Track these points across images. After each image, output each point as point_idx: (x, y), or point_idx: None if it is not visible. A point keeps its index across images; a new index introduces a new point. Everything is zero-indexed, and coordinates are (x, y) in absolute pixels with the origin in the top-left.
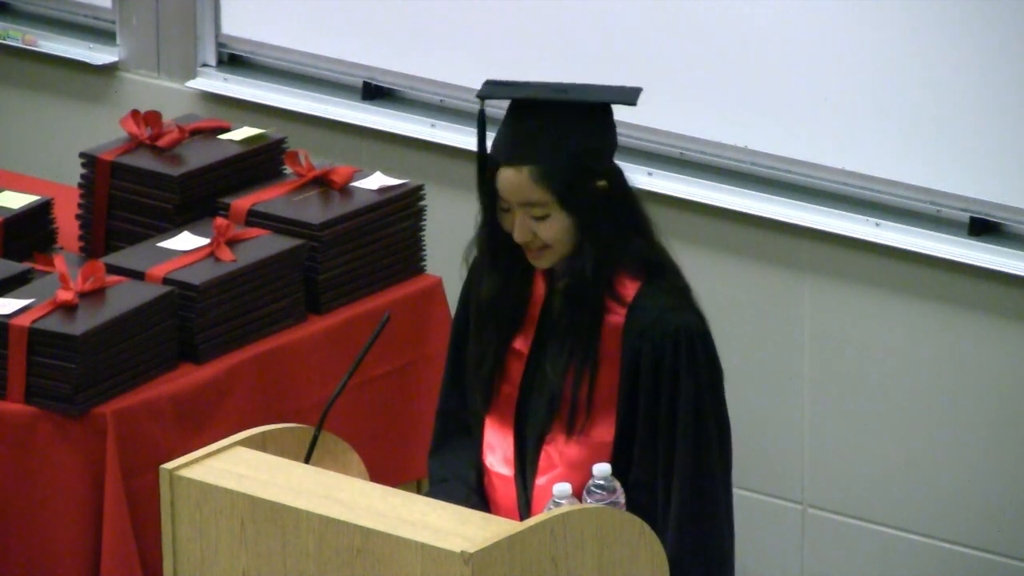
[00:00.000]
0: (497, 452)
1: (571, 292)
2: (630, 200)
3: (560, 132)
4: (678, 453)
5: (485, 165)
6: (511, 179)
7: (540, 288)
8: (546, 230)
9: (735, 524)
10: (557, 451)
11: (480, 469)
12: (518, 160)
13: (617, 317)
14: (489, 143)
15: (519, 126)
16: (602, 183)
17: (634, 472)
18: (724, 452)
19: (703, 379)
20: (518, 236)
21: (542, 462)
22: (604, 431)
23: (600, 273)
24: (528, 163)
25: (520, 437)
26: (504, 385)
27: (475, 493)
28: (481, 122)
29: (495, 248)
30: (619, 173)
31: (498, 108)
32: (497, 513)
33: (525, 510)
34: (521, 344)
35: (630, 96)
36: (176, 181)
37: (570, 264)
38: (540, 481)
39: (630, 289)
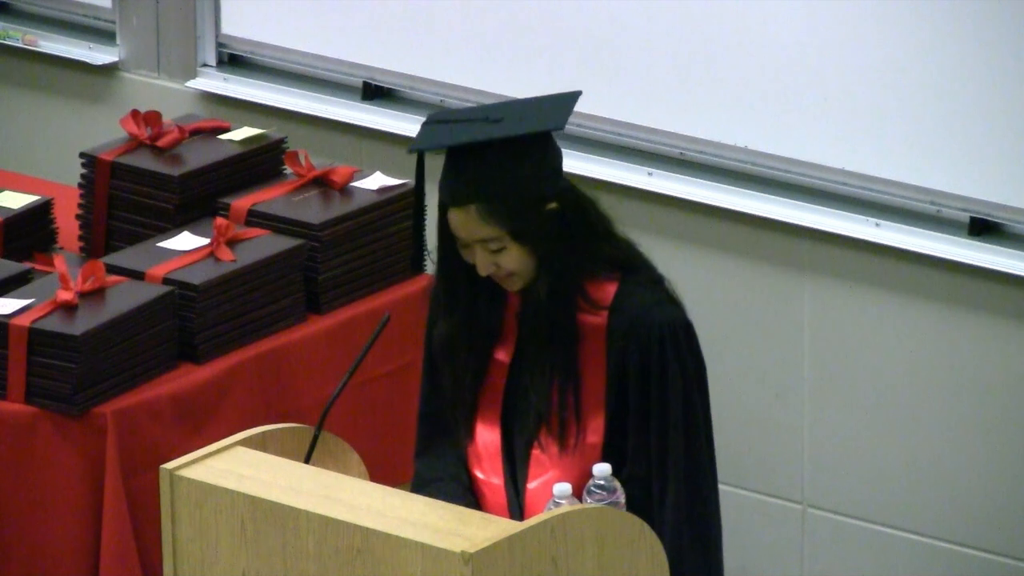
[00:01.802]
0: (484, 461)
1: (538, 315)
2: (585, 211)
3: (499, 167)
4: (670, 448)
5: (423, 210)
6: (461, 219)
7: (515, 300)
8: (507, 260)
9: (733, 523)
10: (548, 456)
11: (468, 470)
12: (463, 200)
13: (598, 319)
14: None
15: (459, 167)
16: (552, 205)
17: (627, 468)
18: (710, 445)
19: (690, 371)
20: (481, 270)
21: (532, 467)
22: (594, 433)
23: (562, 293)
24: (472, 202)
25: (508, 444)
26: (487, 394)
27: (469, 492)
28: (419, 171)
29: (453, 286)
30: (569, 189)
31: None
32: None
33: (517, 516)
34: (502, 354)
35: (559, 119)
36: (176, 181)
37: (534, 287)
38: (532, 485)
39: (607, 290)
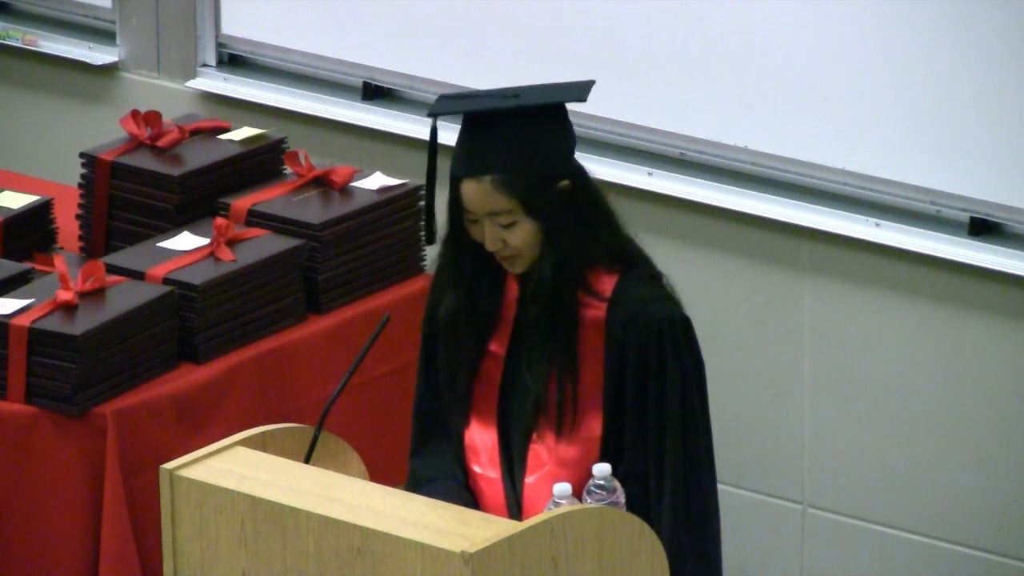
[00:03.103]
0: (482, 455)
1: (540, 296)
2: (594, 196)
3: (516, 139)
4: (668, 446)
5: (434, 180)
6: (473, 191)
7: (513, 290)
8: (515, 237)
9: (733, 523)
10: (546, 449)
11: (465, 468)
12: (478, 171)
13: (598, 311)
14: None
15: (475, 138)
16: (564, 183)
17: (625, 464)
18: (709, 442)
19: (689, 368)
20: (489, 245)
21: (530, 461)
22: (592, 426)
23: (564, 275)
24: (488, 173)
25: (504, 438)
26: (483, 388)
27: (466, 490)
28: (433, 139)
29: (460, 260)
30: (581, 171)
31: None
32: None
33: (515, 510)
34: (497, 346)
35: (580, 93)
36: (176, 181)
37: (537, 268)
38: (530, 480)
39: (607, 283)
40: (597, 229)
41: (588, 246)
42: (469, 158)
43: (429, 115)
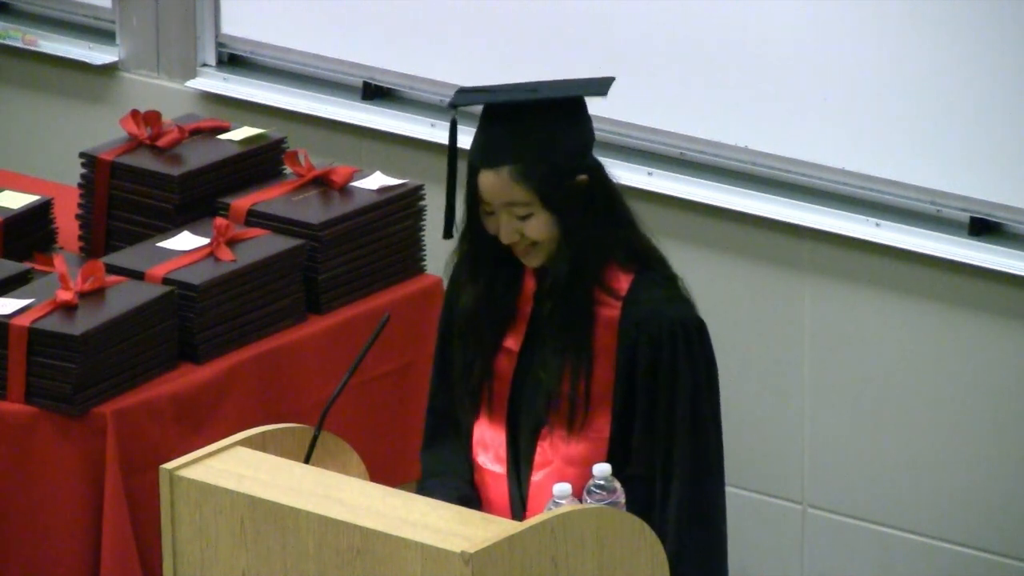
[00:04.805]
0: (489, 450)
1: (556, 290)
2: (611, 193)
3: (535, 131)
4: (676, 448)
5: (455, 172)
6: (491, 181)
7: (530, 285)
8: (531, 229)
9: (733, 523)
10: (553, 447)
11: (472, 465)
12: (496, 162)
13: (612, 310)
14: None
15: (494, 129)
16: (582, 178)
17: (632, 466)
18: (719, 446)
19: (700, 371)
20: (504, 237)
21: (537, 458)
22: (601, 425)
23: (581, 270)
24: (506, 164)
25: (512, 434)
26: (495, 383)
27: (470, 487)
28: (453, 131)
29: (478, 253)
30: (599, 167)
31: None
32: (490, 511)
33: (519, 507)
34: (511, 342)
35: (601, 88)
36: (176, 181)
37: (553, 263)
38: (536, 477)
39: (623, 282)
40: (614, 226)
41: (605, 242)
42: (487, 149)
43: (449, 106)
